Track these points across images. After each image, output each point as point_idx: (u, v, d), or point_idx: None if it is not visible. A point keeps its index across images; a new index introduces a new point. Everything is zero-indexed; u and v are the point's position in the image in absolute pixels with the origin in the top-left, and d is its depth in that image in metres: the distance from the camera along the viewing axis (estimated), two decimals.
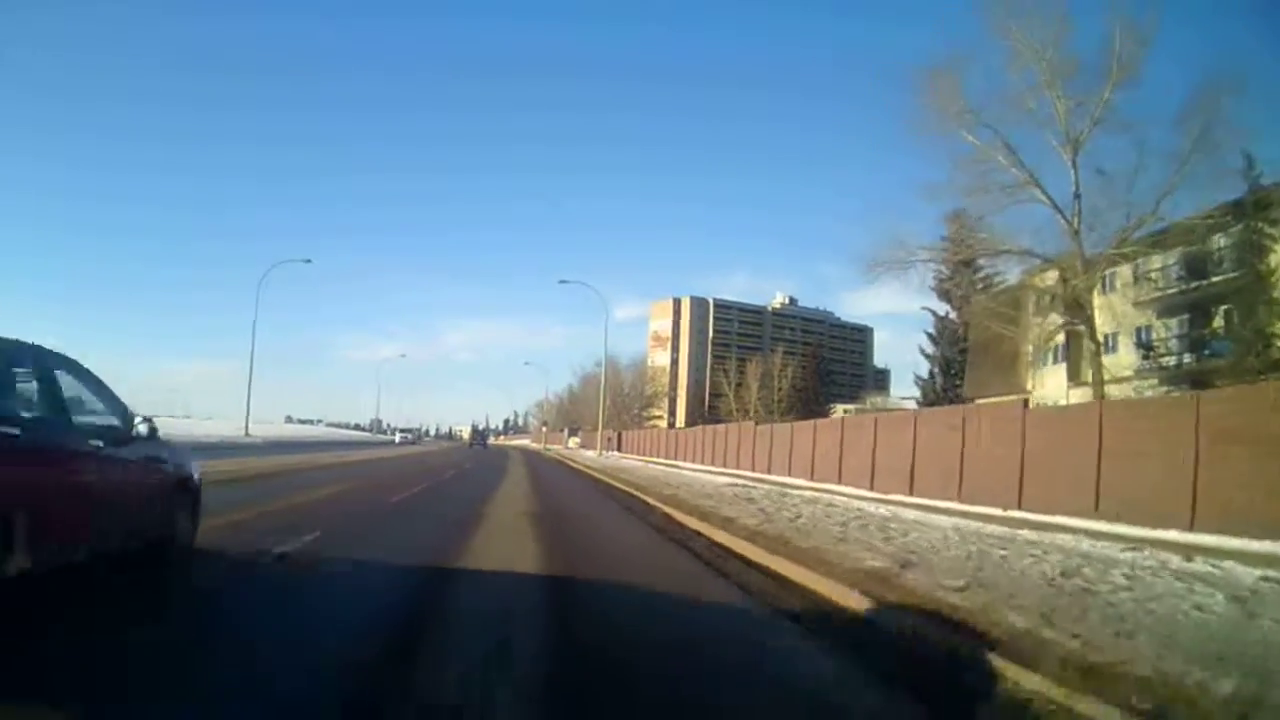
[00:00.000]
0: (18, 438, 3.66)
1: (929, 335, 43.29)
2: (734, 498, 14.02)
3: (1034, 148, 22.03)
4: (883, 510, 13.00)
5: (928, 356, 43.40)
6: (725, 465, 33.18)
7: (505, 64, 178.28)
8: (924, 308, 43.92)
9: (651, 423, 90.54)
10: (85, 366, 4.86)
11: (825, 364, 71.71)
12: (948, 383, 41.92)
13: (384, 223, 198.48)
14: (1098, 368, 22.59)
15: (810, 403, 66.17)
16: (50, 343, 4.61)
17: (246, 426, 36.62)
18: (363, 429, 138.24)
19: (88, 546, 4.32)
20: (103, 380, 5.00)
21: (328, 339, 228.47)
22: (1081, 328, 24.34)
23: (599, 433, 49.28)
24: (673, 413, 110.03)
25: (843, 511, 12.09)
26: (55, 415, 4.23)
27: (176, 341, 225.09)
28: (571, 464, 35.35)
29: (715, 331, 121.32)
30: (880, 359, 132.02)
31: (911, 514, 12.68)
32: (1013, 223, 23.48)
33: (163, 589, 5.12)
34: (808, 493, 17.35)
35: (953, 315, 43.23)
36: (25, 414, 3.93)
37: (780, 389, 66.02)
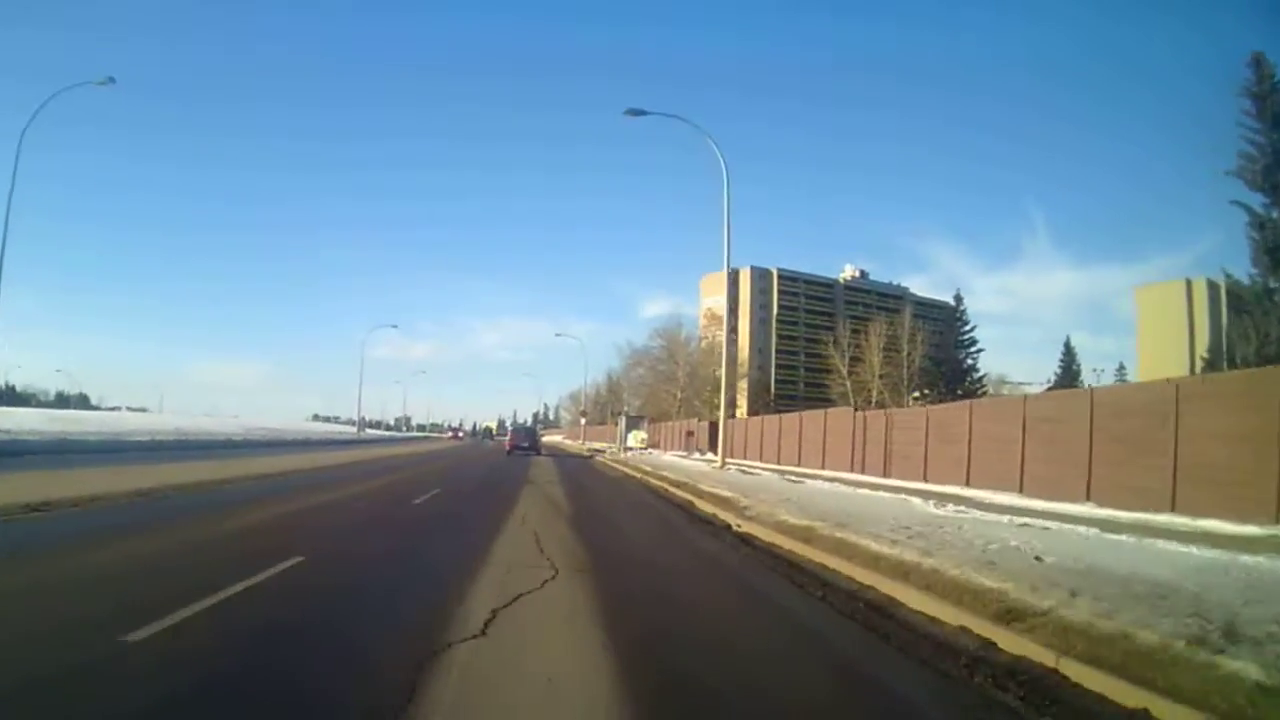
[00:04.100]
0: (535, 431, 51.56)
1: (1257, 243, 25.54)
2: None
3: None
4: None
5: (1240, 289, 25.78)
6: (977, 484, 16.27)
7: (510, 63, 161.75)
8: (1234, 202, 26.41)
9: (719, 412, 72.61)
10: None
11: (963, 334, 53.52)
12: None
13: (410, 218, 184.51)
14: None
15: (952, 383, 48.58)
16: None
17: None
18: (390, 427, 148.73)
19: (531, 448, 41.85)
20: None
21: (359, 337, 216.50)
22: None
23: (721, 421, 28.47)
24: (731, 402, 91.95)
25: None
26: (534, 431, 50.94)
27: (201, 338, 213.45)
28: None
29: (780, 307, 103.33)
30: None
31: None
32: None
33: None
34: None
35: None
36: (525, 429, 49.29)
37: (912, 364, 48.44)
